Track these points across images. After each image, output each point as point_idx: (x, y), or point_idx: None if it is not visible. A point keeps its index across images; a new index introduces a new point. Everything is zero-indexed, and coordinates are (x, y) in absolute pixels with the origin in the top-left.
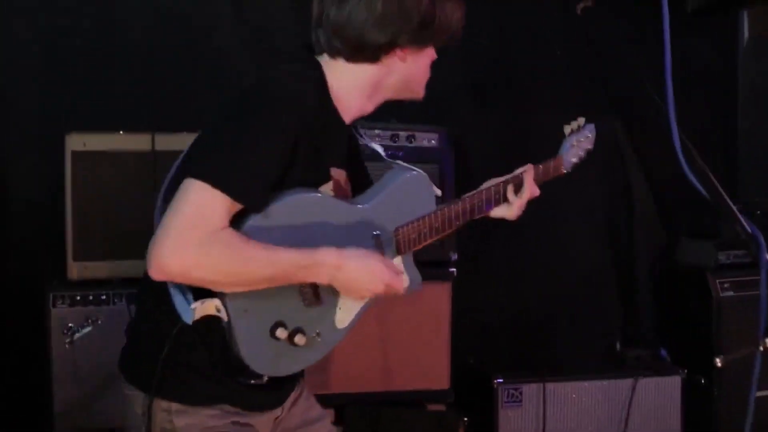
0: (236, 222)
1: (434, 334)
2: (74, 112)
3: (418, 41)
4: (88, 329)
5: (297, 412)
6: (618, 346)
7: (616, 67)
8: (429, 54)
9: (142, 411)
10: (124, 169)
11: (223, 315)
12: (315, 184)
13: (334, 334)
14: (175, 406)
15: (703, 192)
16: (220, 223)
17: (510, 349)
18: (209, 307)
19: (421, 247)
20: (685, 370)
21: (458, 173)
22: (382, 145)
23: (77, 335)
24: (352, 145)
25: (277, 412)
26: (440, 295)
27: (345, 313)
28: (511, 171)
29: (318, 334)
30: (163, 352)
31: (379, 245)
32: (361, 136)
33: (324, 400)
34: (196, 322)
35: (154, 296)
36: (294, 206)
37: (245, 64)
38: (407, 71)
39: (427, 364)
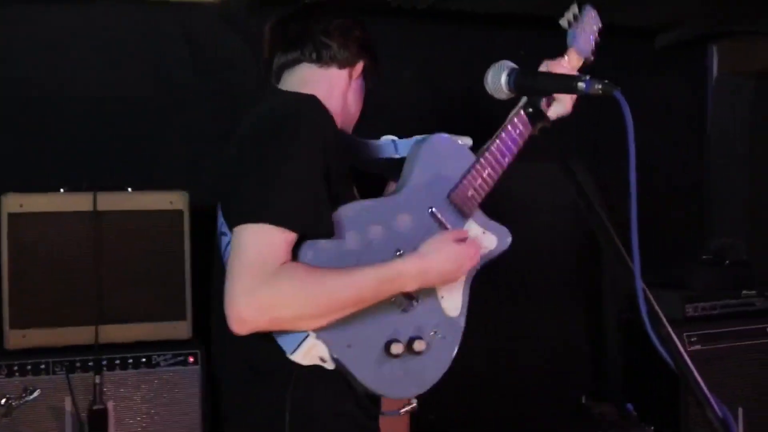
0: (298, 253)
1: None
2: (10, 172)
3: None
4: (27, 399)
5: None
6: (584, 400)
7: (582, 108)
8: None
9: None
10: (64, 231)
11: (329, 363)
12: (345, 195)
13: (453, 325)
14: None
15: (671, 364)
16: (283, 258)
17: (474, 405)
18: (312, 354)
19: (484, 198)
20: (652, 427)
21: None
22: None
23: (15, 407)
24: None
25: None
26: None
27: (450, 300)
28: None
29: (436, 332)
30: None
31: (438, 220)
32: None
33: None
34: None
35: (249, 357)
36: (347, 221)
37: (191, 118)
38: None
39: (385, 423)
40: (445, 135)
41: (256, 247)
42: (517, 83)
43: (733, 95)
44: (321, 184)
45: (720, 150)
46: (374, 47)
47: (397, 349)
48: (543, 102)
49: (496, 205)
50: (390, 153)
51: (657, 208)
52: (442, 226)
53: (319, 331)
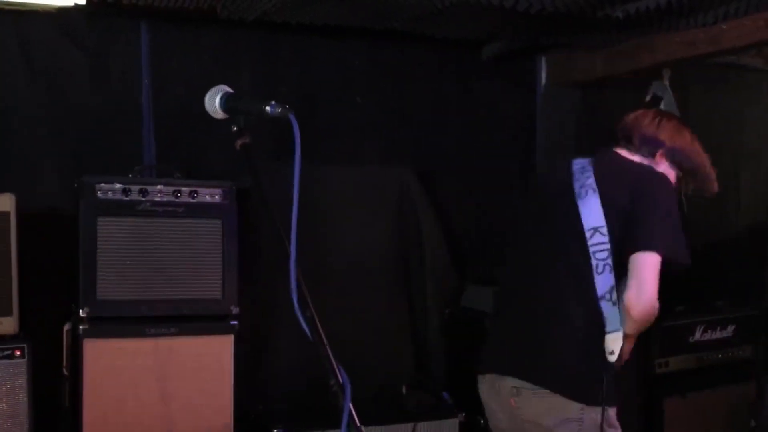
0: None
1: (218, 386)
2: None
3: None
4: None
5: None
6: (404, 390)
7: (415, 117)
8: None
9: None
10: None
11: (613, 356)
12: None
13: None
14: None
15: (308, 334)
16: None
17: (302, 397)
18: (617, 341)
19: None
20: (464, 413)
21: (244, 227)
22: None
23: None
24: None
25: None
26: (222, 347)
27: None
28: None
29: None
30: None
31: None
32: None
33: None
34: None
35: (581, 322)
36: None
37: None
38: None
39: (210, 418)
40: None
41: (656, 269)
42: (226, 105)
43: (560, 105)
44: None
45: (549, 159)
46: None
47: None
48: None
49: (326, 208)
50: None
51: (492, 217)
52: None
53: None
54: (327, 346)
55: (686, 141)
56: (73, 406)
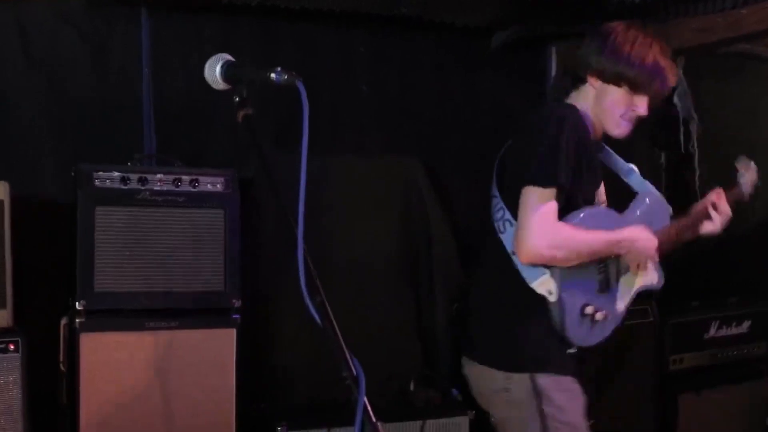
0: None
1: (219, 382)
2: None
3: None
4: None
5: None
6: (411, 386)
7: (421, 108)
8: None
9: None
10: None
11: (553, 296)
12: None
13: (615, 317)
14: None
15: (320, 324)
16: (556, 212)
17: (304, 394)
18: (546, 284)
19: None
20: (473, 411)
21: (247, 217)
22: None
23: None
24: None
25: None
26: (224, 342)
27: (621, 301)
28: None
29: (606, 316)
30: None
31: None
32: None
33: None
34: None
35: (499, 287)
36: (590, 216)
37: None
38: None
39: (211, 414)
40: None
41: (541, 203)
42: (226, 74)
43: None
44: (571, 158)
45: None
46: None
47: (589, 310)
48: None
49: (330, 200)
50: (625, 177)
51: None
52: None
53: (554, 273)
54: (339, 335)
55: (623, 45)
56: (70, 402)
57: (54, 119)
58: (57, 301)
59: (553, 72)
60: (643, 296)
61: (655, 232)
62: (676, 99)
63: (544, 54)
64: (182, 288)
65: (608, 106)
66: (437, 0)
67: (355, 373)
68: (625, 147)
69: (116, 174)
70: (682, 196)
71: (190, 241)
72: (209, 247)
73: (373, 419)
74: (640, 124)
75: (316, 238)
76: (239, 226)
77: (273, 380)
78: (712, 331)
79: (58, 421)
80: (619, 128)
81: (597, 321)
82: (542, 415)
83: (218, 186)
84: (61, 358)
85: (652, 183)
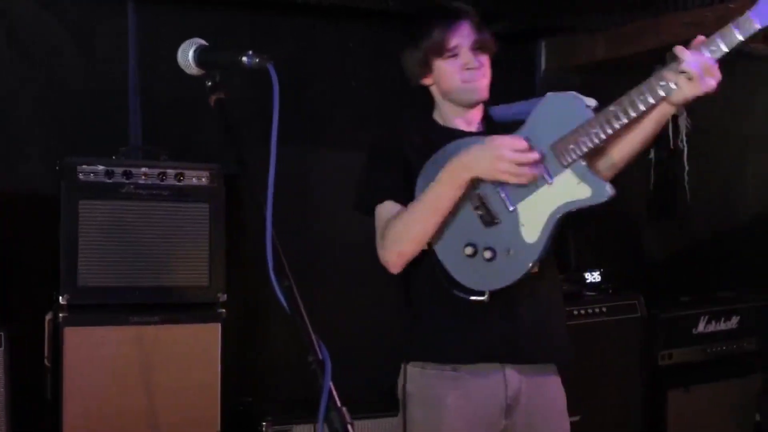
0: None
1: (204, 377)
2: None
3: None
4: None
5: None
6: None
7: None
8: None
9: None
10: None
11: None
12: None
13: (527, 250)
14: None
15: (287, 309)
16: (392, 212)
17: (290, 388)
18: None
19: (584, 154)
20: None
21: (233, 211)
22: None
23: None
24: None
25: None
26: (209, 336)
27: (530, 228)
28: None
29: (509, 251)
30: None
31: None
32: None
33: None
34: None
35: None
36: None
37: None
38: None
39: (196, 409)
40: (572, 93)
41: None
42: (199, 59)
43: (560, 90)
44: (391, 170)
45: None
46: None
47: (469, 251)
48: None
49: (322, 194)
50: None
51: None
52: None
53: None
54: (306, 319)
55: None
56: (54, 398)
57: (39, 111)
58: (43, 295)
59: (543, 66)
60: (630, 291)
61: (558, 141)
62: None
63: (534, 48)
64: (167, 282)
65: (442, 85)
66: None
67: (320, 357)
68: None
69: (101, 168)
70: (670, 192)
71: (175, 236)
72: (194, 241)
73: (338, 404)
74: None
75: (305, 233)
76: (225, 220)
77: (258, 375)
78: (702, 327)
79: (43, 417)
80: (464, 84)
81: (490, 259)
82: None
83: (203, 180)
84: (46, 353)
85: (642, 178)
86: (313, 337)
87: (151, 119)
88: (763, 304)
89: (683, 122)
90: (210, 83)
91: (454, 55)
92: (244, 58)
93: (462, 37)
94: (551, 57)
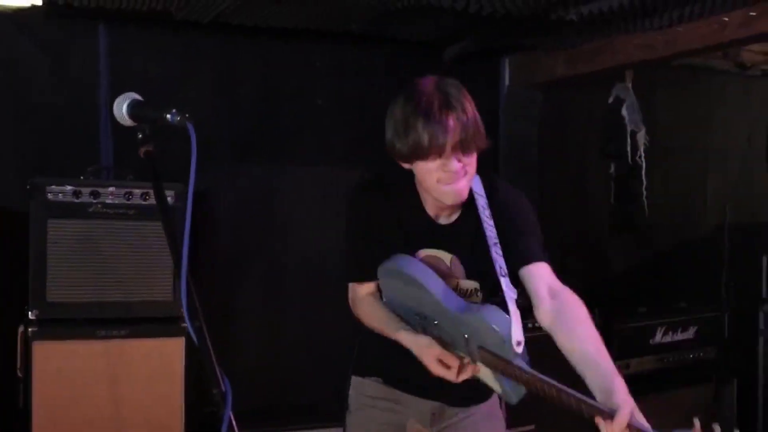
0: None
1: (168, 389)
2: None
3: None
4: None
5: None
6: None
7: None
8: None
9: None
10: None
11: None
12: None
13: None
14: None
15: (195, 341)
16: (360, 294)
17: (250, 400)
18: None
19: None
20: None
21: (198, 229)
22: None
23: None
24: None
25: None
26: (173, 350)
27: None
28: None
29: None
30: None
31: (467, 347)
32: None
33: None
34: None
35: None
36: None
37: None
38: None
39: (160, 420)
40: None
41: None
42: (131, 113)
43: (523, 107)
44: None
45: (512, 159)
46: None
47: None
48: None
49: (290, 209)
50: None
51: None
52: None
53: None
54: (212, 355)
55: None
56: (25, 407)
57: (12, 128)
58: (16, 307)
59: (507, 81)
60: (586, 302)
61: (494, 354)
62: (624, 111)
63: (497, 66)
64: (133, 298)
65: (419, 178)
66: (387, 16)
67: (223, 389)
68: (578, 156)
69: (69, 188)
70: (629, 206)
71: (141, 253)
72: (159, 258)
73: None
74: (590, 134)
75: (275, 246)
76: (190, 238)
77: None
78: (659, 337)
79: (16, 424)
80: (439, 184)
81: (437, 325)
82: None
83: (168, 199)
84: (19, 364)
85: (602, 192)
86: (218, 371)
87: (122, 137)
88: (719, 314)
89: (641, 138)
90: (141, 135)
91: (437, 155)
92: (168, 116)
93: (446, 137)
94: (515, 73)
